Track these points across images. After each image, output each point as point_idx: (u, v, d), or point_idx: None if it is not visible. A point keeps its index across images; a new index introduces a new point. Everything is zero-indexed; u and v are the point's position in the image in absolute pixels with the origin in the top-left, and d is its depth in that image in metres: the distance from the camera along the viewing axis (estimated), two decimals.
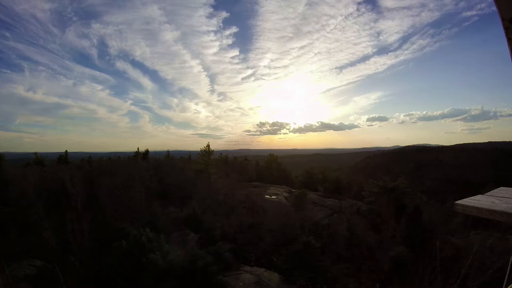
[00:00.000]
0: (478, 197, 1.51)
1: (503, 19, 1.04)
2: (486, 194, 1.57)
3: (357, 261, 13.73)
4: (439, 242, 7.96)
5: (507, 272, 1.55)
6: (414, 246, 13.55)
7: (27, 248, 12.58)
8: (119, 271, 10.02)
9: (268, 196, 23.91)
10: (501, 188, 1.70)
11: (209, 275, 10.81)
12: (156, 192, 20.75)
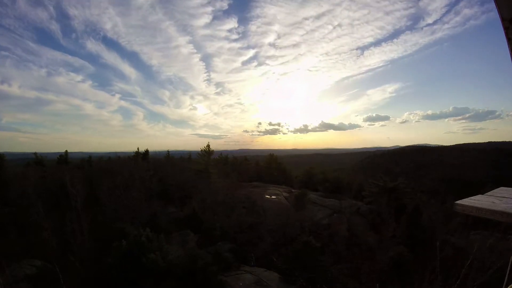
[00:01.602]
0: (478, 197, 1.51)
1: (503, 19, 1.04)
2: (486, 194, 1.57)
3: (357, 261, 13.74)
4: (439, 242, 7.95)
5: (507, 272, 1.55)
6: (414, 246, 13.57)
7: (27, 248, 12.59)
8: (119, 271, 10.02)
9: (268, 196, 23.91)
10: (501, 188, 1.70)
11: (209, 275, 10.80)
12: (156, 192, 20.75)
